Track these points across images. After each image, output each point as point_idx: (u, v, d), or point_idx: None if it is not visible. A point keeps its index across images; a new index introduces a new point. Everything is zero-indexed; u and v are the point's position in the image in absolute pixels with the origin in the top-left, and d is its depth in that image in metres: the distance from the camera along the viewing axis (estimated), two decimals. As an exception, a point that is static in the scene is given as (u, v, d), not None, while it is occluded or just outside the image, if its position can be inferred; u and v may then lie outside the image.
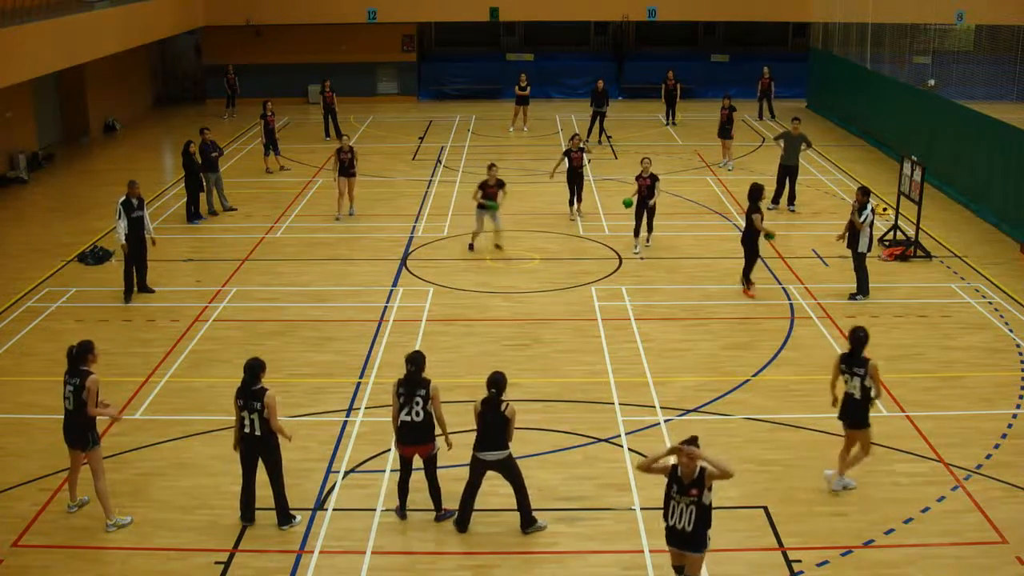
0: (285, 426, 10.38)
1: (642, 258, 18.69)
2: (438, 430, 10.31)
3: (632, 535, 10.25)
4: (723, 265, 18.45)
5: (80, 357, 10.38)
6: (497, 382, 10.02)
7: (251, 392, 10.10)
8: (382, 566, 9.84)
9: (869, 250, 16.58)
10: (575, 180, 21.21)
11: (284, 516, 10.42)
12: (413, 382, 10.19)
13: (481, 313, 16.32)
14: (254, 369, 10.17)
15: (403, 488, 10.55)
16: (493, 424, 9.99)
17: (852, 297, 16.66)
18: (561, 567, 9.84)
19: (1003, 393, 13.39)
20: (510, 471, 10.15)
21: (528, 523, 10.28)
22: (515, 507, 10.31)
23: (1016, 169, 19.99)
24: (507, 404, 10.02)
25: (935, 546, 10.04)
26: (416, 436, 10.24)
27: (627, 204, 19.14)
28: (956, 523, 10.42)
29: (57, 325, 15.95)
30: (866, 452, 10.83)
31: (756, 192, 16.73)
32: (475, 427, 10.11)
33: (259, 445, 10.20)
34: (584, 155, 21.47)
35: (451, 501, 10.52)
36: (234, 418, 10.30)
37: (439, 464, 10.53)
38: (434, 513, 10.55)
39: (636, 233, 19.09)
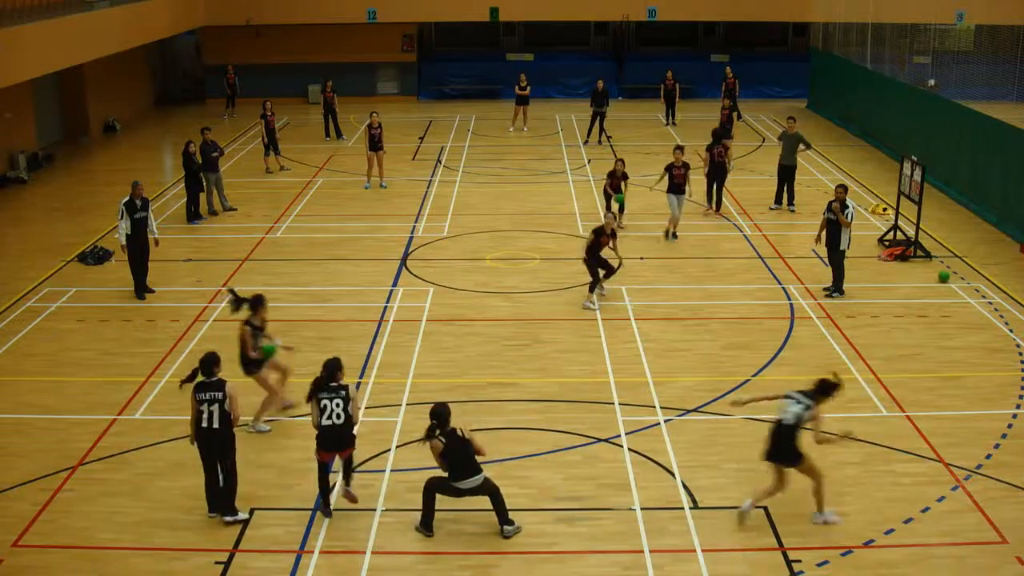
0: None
1: (642, 258, 18.68)
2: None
3: (632, 535, 10.26)
4: (723, 265, 18.46)
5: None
6: (439, 415, 9.98)
7: (210, 384, 10.23)
8: (382, 566, 9.85)
9: (848, 247, 16.60)
10: (599, 260, 16.44)
11: (230, 508, 10.48)
12: (329, 387, 10.28)
13: (481, 313, 16.32)
14: (208, 363, 10.33)
15: (325, 485, 10.57)
16: (460, 452, 9.96)
17: (828, 294, 16.66)
18: (561, 567, 9.84)
19: (1003, 393, 13.39)
20: (490, 489, 10.15)
21: (507, 522, 10.26)
22: (517, 508, 10.31)
23: (1016, 169, 19.99)
24: (460, 429, 10.01)
25: (935, 546, 10.04)
26: (338, 440, 10.30)
27: (619, 200, 19.55)
28: (956, 523, 10.42)
29: (57, 325, 15.96)
30: None
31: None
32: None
33: (215, 438, 10.30)
34: (615, 235, 16.65)
35: (450, 501, 10.47)
36: (191, 414, 10.41)
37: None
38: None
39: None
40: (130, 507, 10.82)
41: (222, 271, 18.29)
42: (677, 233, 19.84)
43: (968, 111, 22.62)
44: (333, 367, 10.38)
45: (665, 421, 12.62)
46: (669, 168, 19.62)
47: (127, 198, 16.62)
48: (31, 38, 22.24)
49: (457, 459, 9.97)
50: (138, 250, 16.77)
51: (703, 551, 9.98)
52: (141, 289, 16.98)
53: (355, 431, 10.48)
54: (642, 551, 10.00)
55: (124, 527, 10.47)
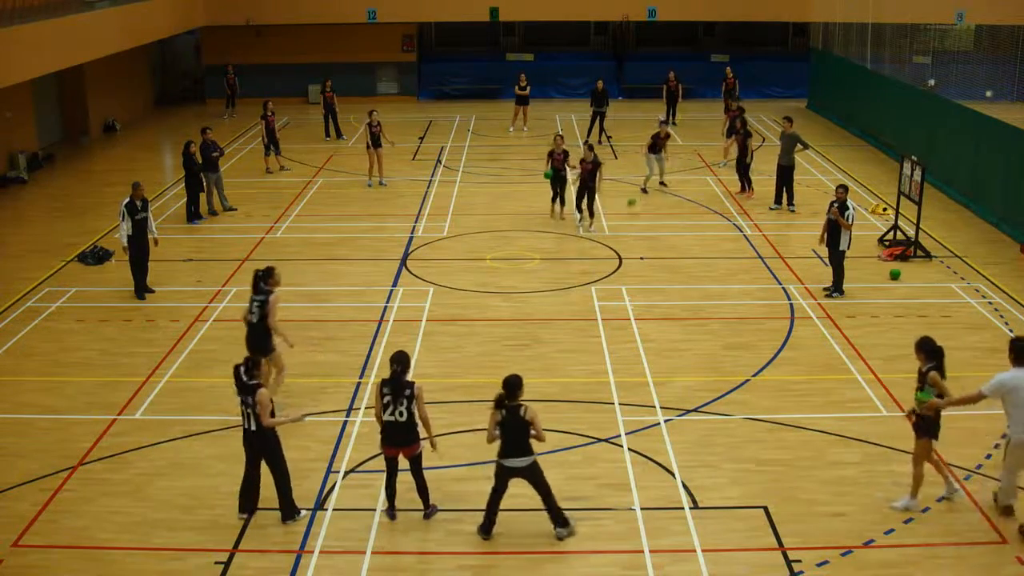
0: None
1: (642, 258, 18.69)
2: (423, 432, 10.34)
3: (632, 535, 10.26)
4: (723, 265, 18.46)
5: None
6: (511, 385, 9.90)
7: (246, 387, 10.18)
8: (382, 566, 9.84)
9: (848, 247, 16.62)
10: (557, 181, 21.11)
11: (288, 510, 10.46)
12: (398, 383, 10.19)
13: (481, 313, 16.32)
14: (248, 367, 10.26)
15: (390, 489, 10.56)
16: (515, 430, 9.88)
17: (828, 294, 16.68)
18: (562, 567, 9.84)
19: (1003, 393, 13.35)
20: (535, 477, 10.06)
21: (561, 523, 10.20)
22: (519, 508, 10.31)
23: (1016, 169, 19.99)
24: (525, 408, 9.90)
25: (935, 546, 10.04)
26: (400, 437, 10.26)
27: (547, 176, 21.13)
28: (956, 523, 10.42)
29: (57, 325, 15.96)
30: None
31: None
32: (486, 431, 10.07)
33: (256, 440, 10.29)
34: (567, 163, 20.90)
35: (451, 501, 10.55)
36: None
37: (427, 464, 10.53)
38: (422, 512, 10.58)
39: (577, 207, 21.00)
40: (130, 507, 10.82)
41: (222, 271, 18.30)
42: (647, 189, 23.36)
43: (968, 111, 22.63)
44: (404, 361, 10.28)
45: (665, 421, 12.62)
46: (655, 136, 23.22)
47: (127, 199, 16.59)
48: (31, 38, 22.24)
49: (509, 436, 9.92)
50: (139, 251, 16.78)
51: (703, 551, 9.98)
52: (141, 289, 16.99)
53: (421, 431, 10.34)
54: (642, 551, 10.00)
55: (124, 527, 10.47)
